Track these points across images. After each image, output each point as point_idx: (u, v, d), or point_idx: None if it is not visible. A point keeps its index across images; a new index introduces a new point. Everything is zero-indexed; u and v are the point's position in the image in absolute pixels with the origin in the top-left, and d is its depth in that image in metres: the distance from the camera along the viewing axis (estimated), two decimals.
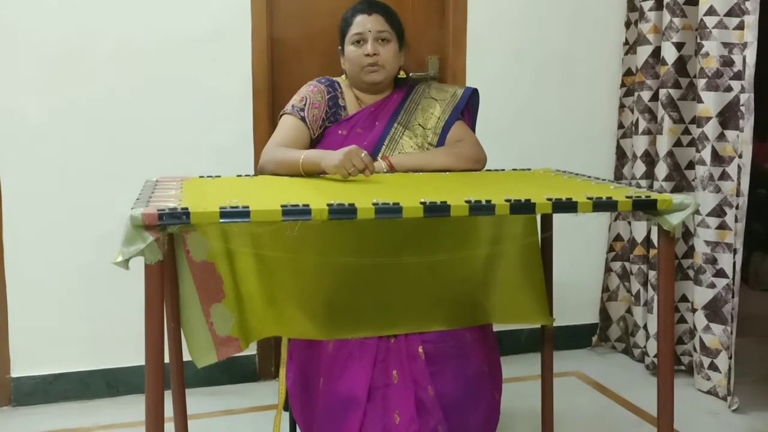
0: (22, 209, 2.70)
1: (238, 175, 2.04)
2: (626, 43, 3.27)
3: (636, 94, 3.15)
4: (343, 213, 1.38)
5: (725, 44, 2.76)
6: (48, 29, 2.65)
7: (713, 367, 2.83)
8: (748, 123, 2.69)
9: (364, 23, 2.13)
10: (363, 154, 1.81)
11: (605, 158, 3.36)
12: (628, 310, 3.32)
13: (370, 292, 1.92)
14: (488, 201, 1.44)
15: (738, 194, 2.73)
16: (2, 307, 2.71)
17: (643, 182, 3.13)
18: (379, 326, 1.88)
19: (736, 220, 2.74)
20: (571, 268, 3.22)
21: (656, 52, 3.06)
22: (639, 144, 3.14)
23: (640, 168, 3.14)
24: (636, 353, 3.25)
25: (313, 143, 2.15)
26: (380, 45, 2.13)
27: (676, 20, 2.92)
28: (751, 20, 2.66)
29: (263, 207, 1.36)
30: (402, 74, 2.24)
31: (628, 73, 3.27)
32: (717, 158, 2.81)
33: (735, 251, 2.76)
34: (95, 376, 2.83)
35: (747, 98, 2.69)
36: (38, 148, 2.69)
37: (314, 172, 1.91)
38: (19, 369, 2.75)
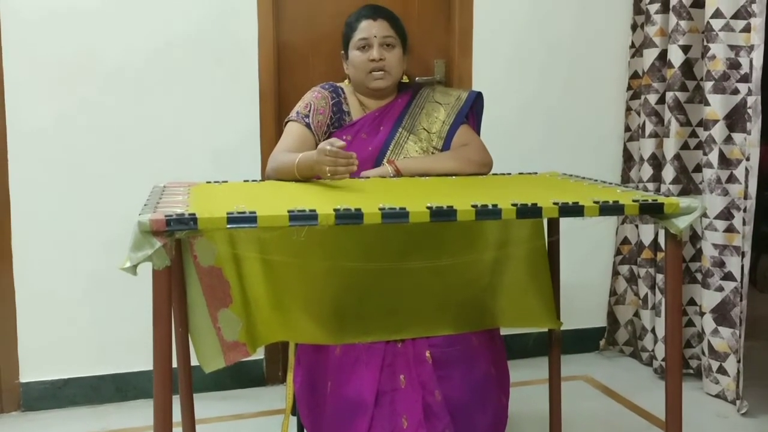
0: (31, 215, 2.71)
1: (245, 181, 2.04)
2: (632, 46, 3.26)
3: (643, 97, 3.14)
4: (349, 218, 1.38)
5: (732, 47, 2.76)
6: (57, 35, 2.67)
7: (722, 370, 2.82)
8: (755, 125, 2.68)
9: (369, 28, 2.13)
10: (337, 146, 1.73)
11: (612, 161, 3.35)
12: (636, 314, 3.31)
13: (376, 296, 1.92)
14: (495, 205, 1.44)
15: (746, 197, 2.72)
16: (11, 313, 2.73)
17: (650, 185, 3.12)
18: (386, 331, 1.88)
19: (744, 223, 2.73)
20: (578, 271, 3.21)
21: (663, 55, 3.05)
22: (646, 147, 3.14)
23: (647, 171, 3.14)
24: (644, 357, 3.24)
25: None
26: (386, 50, 2.13)
27: (683, 23, 2.92)
28: (758, 22, 2.66)
29: (270, 212, 1.37)
30: (405, 79, 2.24)
31: (635, 76, 3.26)
32: (724, 161, 2.80)
33: (743, 254, 2.75)
34: (104, 380, 2.84)
35: (754, 101, 2.68)
36: (46, 153, 2.70)
37: (310, 176, 1.89)
38: (29, 374, 2.77)
